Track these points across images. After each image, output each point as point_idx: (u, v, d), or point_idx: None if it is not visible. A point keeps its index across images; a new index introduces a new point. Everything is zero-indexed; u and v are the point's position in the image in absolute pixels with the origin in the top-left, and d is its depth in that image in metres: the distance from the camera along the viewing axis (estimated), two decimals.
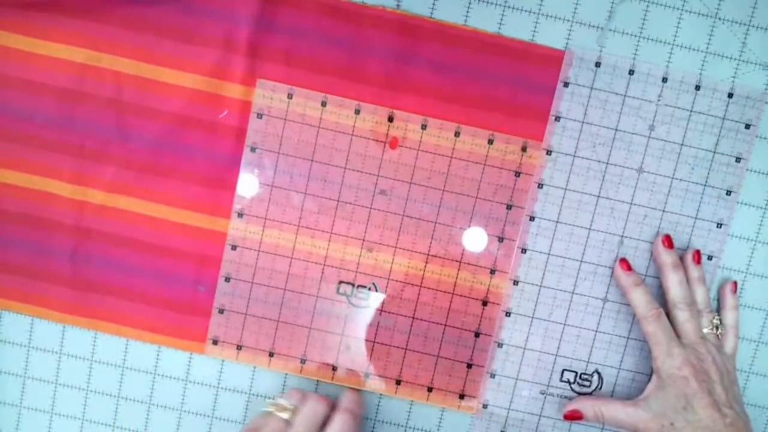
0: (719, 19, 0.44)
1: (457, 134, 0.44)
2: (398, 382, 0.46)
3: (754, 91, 0.44)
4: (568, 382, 0.46)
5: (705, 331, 0.43)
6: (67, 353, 0.46)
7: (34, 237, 0.45)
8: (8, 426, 0.47)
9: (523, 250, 0.45)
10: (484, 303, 0.46)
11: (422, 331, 0.46)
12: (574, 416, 0.44)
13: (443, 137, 0.45)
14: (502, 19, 0.44)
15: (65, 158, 0.45)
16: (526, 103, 0.44)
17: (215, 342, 0.46)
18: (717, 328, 0.43)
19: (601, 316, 0.46)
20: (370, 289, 0.46)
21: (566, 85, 0.44)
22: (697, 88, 0.44)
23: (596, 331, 0.46)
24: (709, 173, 0.45)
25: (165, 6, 0.44)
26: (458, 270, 0.45)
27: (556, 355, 0.46)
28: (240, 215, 0.45)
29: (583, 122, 0.44)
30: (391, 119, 0.44)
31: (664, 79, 0.44)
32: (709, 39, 0.44)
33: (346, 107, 0.44)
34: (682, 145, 0.45)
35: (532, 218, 0.45)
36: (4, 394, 0.47)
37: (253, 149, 0.45)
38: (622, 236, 0.45)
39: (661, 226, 0.45)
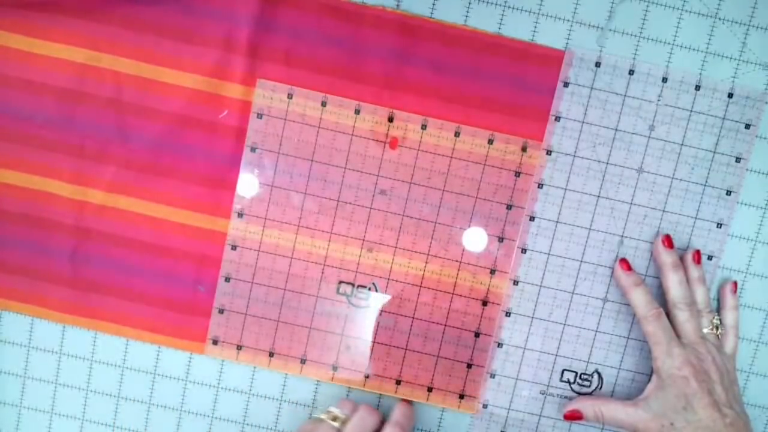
0: (719, 19, 0.44)
1: (457, 134, 0.44)
2: (398, 382, 0.46)
3: (754, 91, 0.44)
4: (568, 382, 0.46)
5: (705, 331, 0.43)
6: (67, 353, 0.46)
7: (34, 237, 0.45)
8: (8, 426, 0.47)
9: (523, 250, 0.45)
10: (484, 303, 0.46)
11: (422, 331, 0.46)
12: (574, 416, 0.44)
13: (443, 137, 0.45)
14: (502, 19, 0.44)
15: (65, 158, 0.45)
16: (526, 103, 0.44)
17: (215, 342, 0.46)
18: (717, 328, 0.43)
19: (601, 316, 0.46)
20: (370, 289, 0.46)
21: (566, 85, 0.44)
22: (697, 88, 0.44)
23: (596, 331, 0.46)
24: (709, 173, 0.45)
25: (165, 6, 0.44)
26: (458, 270, 0.45)
27: (556, 355, 0.46)
28: (240, 215, 0.45)
29: (583, 122, 0.44)
30: (391, 119, 0.44)
31: (664, 79, 0.44)
32: (709, 39, 0.44)
33: (346, 107, 0.44)
34: (682, 145, 0.45)
35: (532, 218, 0.45)
36: (4, 394, 0.47)
37: (253, 149, 0.45)
38: (622, 236, 0.45)
39: (661, 226, 0.45)
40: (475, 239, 0.45)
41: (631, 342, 0.46)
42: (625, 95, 0.44)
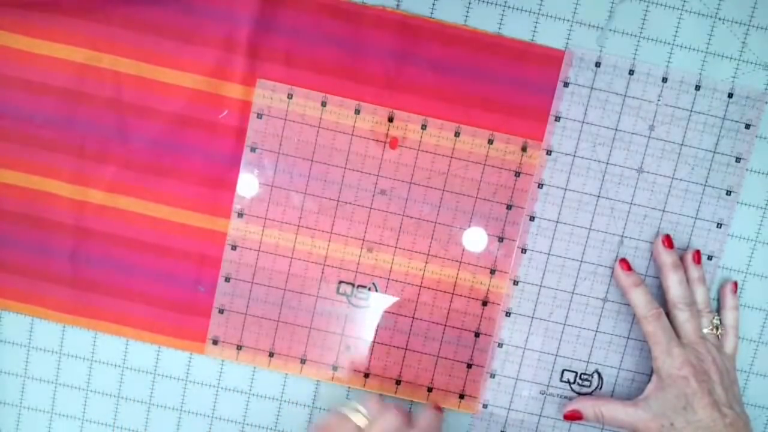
0: (719, 19, 0.44)
1: (457, 134, 0.44)
2: (398, 382, 0.46)
3: (754, 91, 0.44)
4: (568, 382, 0.46)
5: (705, 331, 0.43)
6: (67, 353, 0.46)
7: (34, 237, 0.45)
8: (8, 426, 0.47)
9: (523, 250, 0.45)
10: (484, 303, 0.46)
11: (422, 331, 0.46)
12: (574, 416, 0.44)
13: (443, 137, 0.45)
14: (502, 19, 0.44)
15: (65, 158, 0.45)
16: (526, 103, 0.44)
17: (215, 342, 0.46)
18: (717, 328, 0.43)
19: (601, 316, 0.46)
20: (370, 289, 0.46)
21: (566, 85, 0.44)
22: (697, 88, 0.44)
23: (596, 331, 0.46)
24: (709, 173, 0.45)
25: (165, 6, 0.44)
26: (458, 270, 0.45)
27: (556, 355, 0.46)
28: (240, 215, 0.45)
29: (583, 122, 0.44)
30: (391, 119, 0.44)
31: (664, 79, 0.44)
32: (709, 39, 0.44)
33: (346, 107, 0.44)
34: (682, 145, 0.45)
35: (532, 218, 0.45)
36: (4, 394, 0.47)
37: (253, 149, 0.45)
38: (622, 236, 0.45)
39: (661, 226, 0.45)
40: (475, 239, 0.45)
41: (631, 342, 0.46)
42: (625, 95, 0.44)
